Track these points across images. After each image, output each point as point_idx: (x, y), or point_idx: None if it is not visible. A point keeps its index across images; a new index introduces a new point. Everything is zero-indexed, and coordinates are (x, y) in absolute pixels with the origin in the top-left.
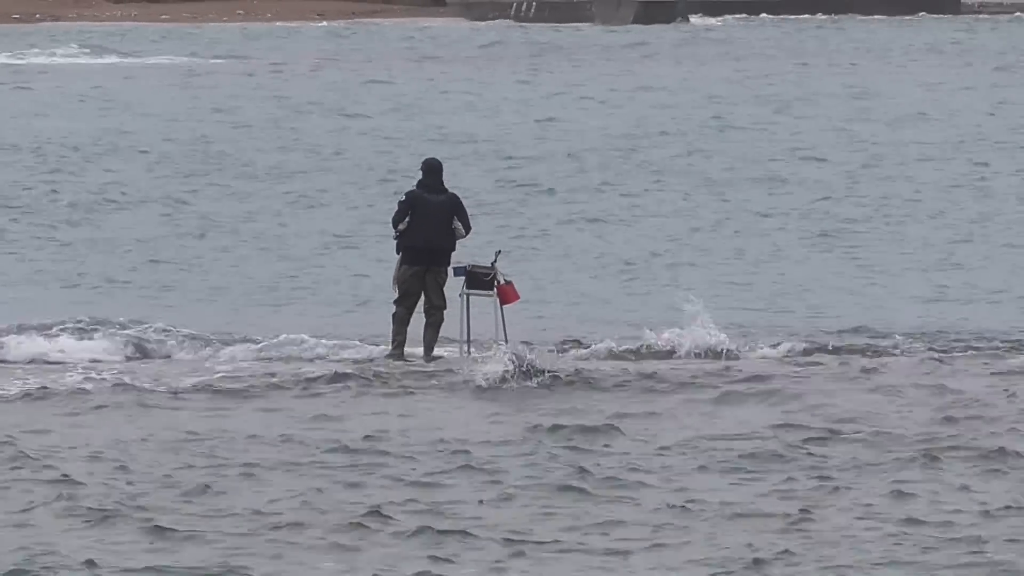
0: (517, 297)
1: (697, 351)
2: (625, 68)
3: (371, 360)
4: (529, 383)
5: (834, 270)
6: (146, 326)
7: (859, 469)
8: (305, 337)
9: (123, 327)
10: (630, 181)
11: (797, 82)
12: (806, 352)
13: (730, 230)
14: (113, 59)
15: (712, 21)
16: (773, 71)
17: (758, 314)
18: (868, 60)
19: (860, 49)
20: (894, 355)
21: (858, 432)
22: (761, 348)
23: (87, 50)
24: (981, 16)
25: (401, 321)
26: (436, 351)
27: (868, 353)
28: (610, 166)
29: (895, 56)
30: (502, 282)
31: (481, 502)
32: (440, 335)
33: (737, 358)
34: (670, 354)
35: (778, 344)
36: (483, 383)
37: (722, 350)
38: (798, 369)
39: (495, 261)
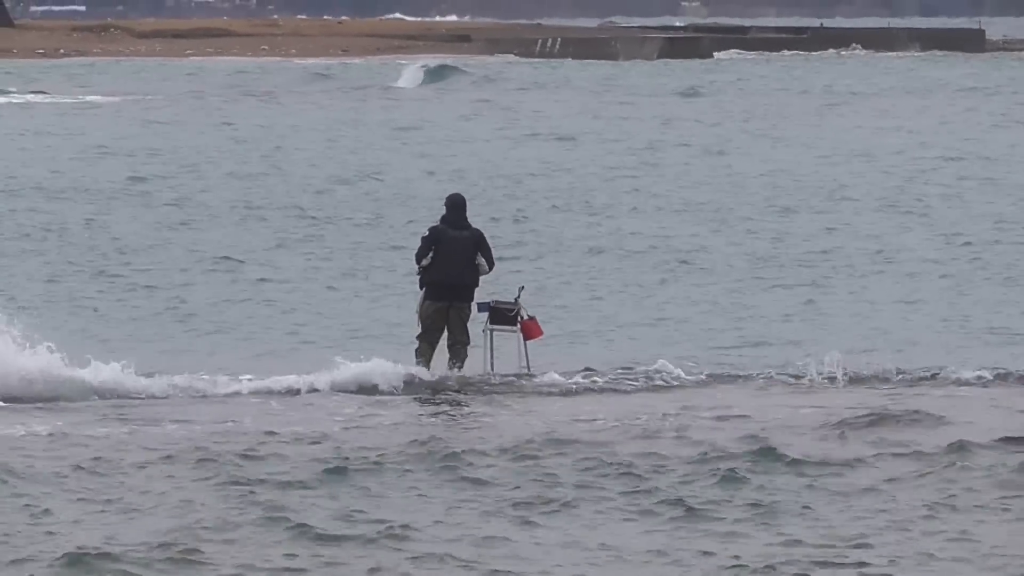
0: (541, 333)
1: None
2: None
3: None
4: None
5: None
6: None
7: None
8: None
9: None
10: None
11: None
12: None
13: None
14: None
15: (736, 57)
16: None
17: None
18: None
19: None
20: None
21: None
22: None
23: None
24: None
25: (424, 356)
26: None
27: None
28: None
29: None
30: (525, 318)
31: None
32: (463, 370)
33: None
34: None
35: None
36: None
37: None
38: None
39: (518, 297)
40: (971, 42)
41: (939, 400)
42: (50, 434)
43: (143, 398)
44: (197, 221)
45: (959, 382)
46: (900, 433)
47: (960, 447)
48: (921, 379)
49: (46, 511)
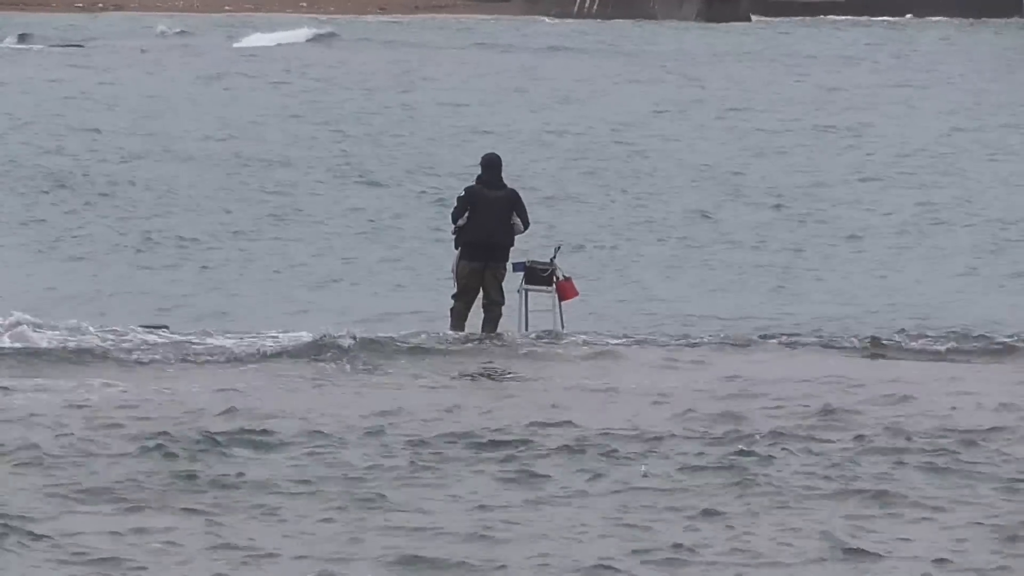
0: (576, 293)
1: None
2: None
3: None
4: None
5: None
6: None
7: None
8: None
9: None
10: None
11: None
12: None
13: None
14: None
15: (774, 20)
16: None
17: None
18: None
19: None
20: None
21: None
22: None
23: None
24: None
25: (459, 316)
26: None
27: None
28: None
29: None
30: (561, 278)
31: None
32: (497, 330)
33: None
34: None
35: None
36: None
37: None
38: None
39: (554, 257)
40: (1006, 9)
41: None
42: None
43: None
44: None
45: None
46: None
47: None
48: None
49: None
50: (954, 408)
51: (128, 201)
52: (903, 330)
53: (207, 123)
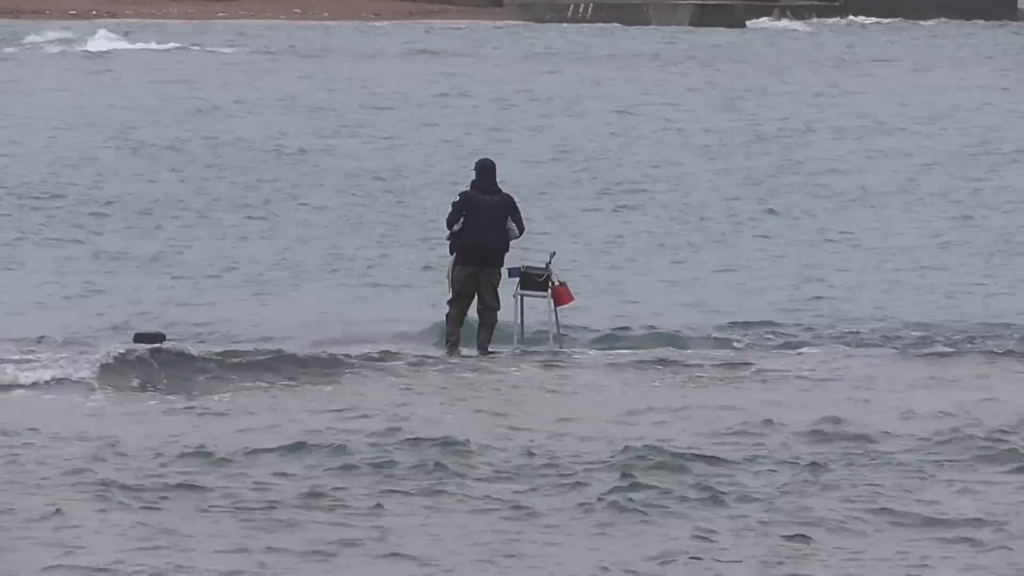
0: (571, 298)
1: None
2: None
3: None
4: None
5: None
6: None
7: None
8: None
9: None
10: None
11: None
12: None
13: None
14: None
15: (767, 24)
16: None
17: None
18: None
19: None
20: None
21: None
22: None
23: None
24: None
25: (455, 321)
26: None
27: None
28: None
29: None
30: (556, 283)
31: None
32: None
33: None
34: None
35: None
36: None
37: None
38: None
39: (549, 262)
40: (1002, 11)
41: None
42: None
43: None
44: None
45: None
46: None
47: None
48: None
49: None
50: None
51: None
52: None
53: None
